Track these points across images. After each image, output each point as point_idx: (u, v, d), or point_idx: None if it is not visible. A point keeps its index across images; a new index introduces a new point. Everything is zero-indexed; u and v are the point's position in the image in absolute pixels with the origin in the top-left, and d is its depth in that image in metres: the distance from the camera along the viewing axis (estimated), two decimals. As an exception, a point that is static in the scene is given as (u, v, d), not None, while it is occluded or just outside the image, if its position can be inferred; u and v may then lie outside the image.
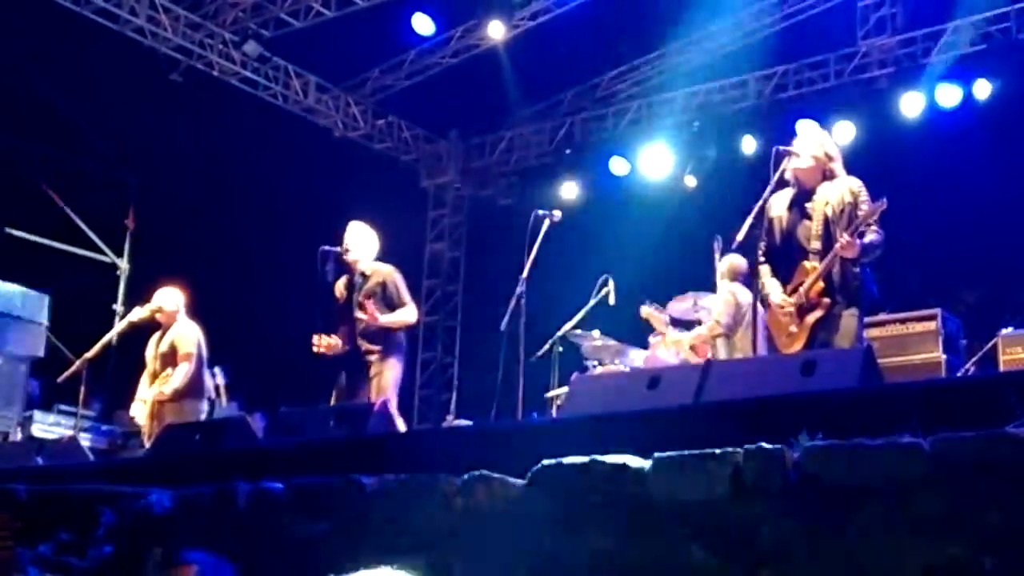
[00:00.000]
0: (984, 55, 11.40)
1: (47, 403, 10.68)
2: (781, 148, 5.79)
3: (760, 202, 5.67)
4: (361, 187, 13.50)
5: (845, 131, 11.44)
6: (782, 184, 5.82)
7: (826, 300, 5.59)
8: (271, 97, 13.43)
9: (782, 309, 5.70)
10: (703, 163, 13.10)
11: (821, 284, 5.60)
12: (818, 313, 5.61)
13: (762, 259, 5.80)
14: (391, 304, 7.35)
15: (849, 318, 5.59)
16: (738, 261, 7.92)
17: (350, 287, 7.42)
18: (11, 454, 7.25)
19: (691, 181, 13.22)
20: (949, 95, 11.52)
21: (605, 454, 3.37)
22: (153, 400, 8.02)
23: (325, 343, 7.18)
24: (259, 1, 12.48)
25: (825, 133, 6.05)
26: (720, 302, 8.07)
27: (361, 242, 7.46)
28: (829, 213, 5.65)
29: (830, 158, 5.82)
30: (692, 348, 8.28)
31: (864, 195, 5.66)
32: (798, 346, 5.63)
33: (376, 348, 7.28)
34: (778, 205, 5.81)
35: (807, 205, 5.74)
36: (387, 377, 7.21)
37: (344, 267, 7.44)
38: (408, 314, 7.39)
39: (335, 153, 14.07)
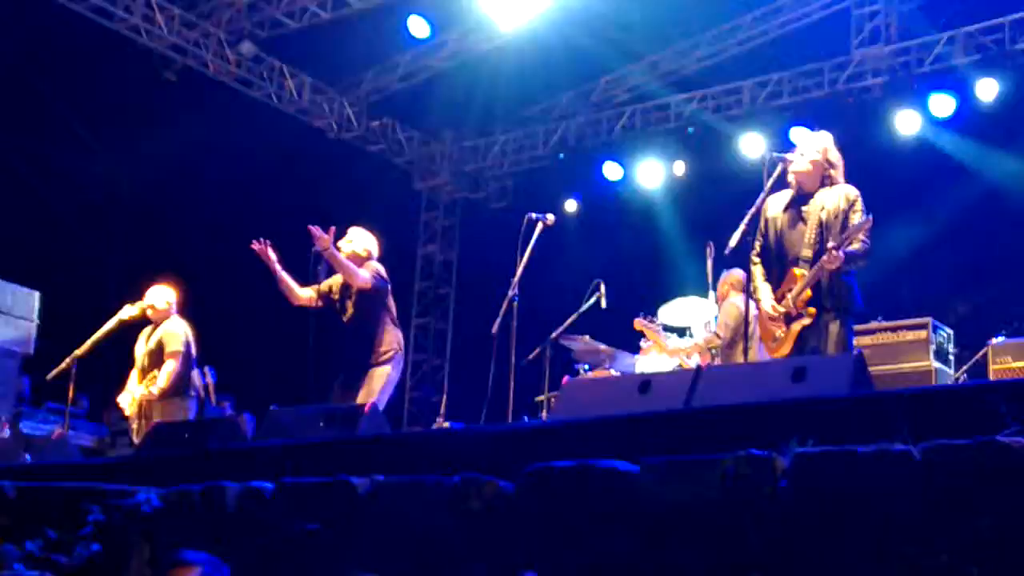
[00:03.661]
0: (978, 65, 11.42)
1: (36, 400, 10.65)
2: (776, 154, 5.81)
3: (754, 208, 5.66)
4: (354, 188, 13.50)
5: (838, 140, 11.41)
6: (781, 186, 5.82)
7: (812, 309, 5.58)
8: (265, 97, 13.41)
9: (771, 318, 5.70)
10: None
11: (809, 292, 5.59)
12: (805, 321, 5.61)
13: (756, 259, 5.80)
14: (375, 298, 7.33)
15: (837, 326, 5.59)
16: (740, 274, 7.90)
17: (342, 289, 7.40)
18: (0, 451, 7.23)
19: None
20: (942, 105, 11.55)
21: (595, 458, 3.37)
22: (141, 398, 8.01)
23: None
24: (255, 1, 12.47)
25: (830, 139, 6.03)
26: (724, 314, 8.02)
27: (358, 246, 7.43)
28: (824, 218, 5.64)
29: (831, 164, 5.82)
30: (689, 356, 8.27)
31: (859, 204, 5.65)
32: (784, 352, 5.63)
33: (369, 352, 7.26)
34: (775, 206, 5.80)
35: (803, 208, 5.73)
36: (377, 382, 7.19)
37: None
38: (363, 273, 7.27)
39: (329, 154, 14.04)
